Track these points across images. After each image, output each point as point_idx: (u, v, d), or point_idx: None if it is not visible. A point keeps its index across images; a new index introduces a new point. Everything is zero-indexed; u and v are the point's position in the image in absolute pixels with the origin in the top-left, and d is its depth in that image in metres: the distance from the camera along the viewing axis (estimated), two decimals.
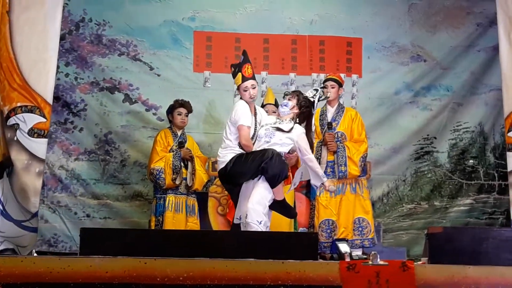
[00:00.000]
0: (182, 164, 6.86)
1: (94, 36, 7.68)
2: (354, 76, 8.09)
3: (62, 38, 6.99)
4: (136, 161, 7.64)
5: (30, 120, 6.31)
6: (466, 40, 8.16)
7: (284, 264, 4.49)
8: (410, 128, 8.07)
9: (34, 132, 6.32)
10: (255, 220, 5.28)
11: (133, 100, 7.71)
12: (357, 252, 6.16)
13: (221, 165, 5.60)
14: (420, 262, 5.10)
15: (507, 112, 6.67)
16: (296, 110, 5.61)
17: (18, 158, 6.29)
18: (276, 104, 6.97)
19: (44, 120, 6.35)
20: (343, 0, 8.14)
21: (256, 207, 5.31)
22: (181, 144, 6.92)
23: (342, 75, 7.44)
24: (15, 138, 6.29)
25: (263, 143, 5.50)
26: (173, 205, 6.82)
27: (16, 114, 6.27)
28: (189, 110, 7.06)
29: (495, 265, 4.66)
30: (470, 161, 8.10)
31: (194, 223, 6.91)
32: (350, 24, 8.13)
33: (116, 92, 7.70)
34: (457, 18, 8.20)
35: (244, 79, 5.62)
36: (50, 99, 6.39)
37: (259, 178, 5.41)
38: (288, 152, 5.55)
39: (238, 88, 5.71)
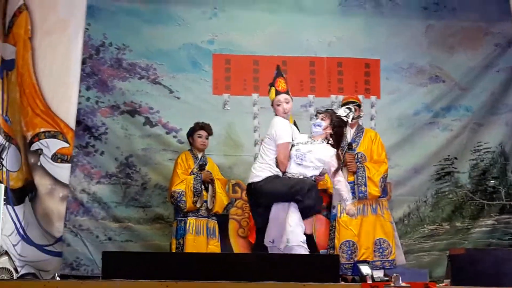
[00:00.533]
0: (203, 186, 6.89)
1: (114, 60, 7.76)
2: (373, 98, 8.09)
3: (83, 62, 7.05)
4: (157, 184, 7.66)
5: (54, 145, 6.37)
6: (484, 60, 8.14)
7: (305, 286, 4.49)
8: (430, 148, 8.03)
9: (57, 157, 6.38)
10: (299, 241, 5.31)
11: (154, 123, 7.76)
12: (379, 274, 6.11)
13: (254, 179, 5.56)
14: (443, 284, 5.08)
15: None
16: (329, 131, 5.59)
17: (42, 183, 6.34)
18: (295, 126, 6.98)
19: (67, 145, 6.42)
20: (360, 22, 8.15)
21: (296, 229, 5.32)
22: (201, 167, 6.95)
23: (360, 96, 7.46)
24: (39, 163, 6.35)
25: (294, 165, 5.50)
26: (194, 227, 6.83)
27: (40, 139, 6.34)
28: (210, 133, 7.10)
29: None
30: (491, 181, 8.04)
31: (215, 246, 6.92)
32: (367, 46, 8.14)
33: (136, 116, 7.75)
34: (475, 39, 8.20)
35: (277, 93, 5.65)
36: (72, 124, 6.46)
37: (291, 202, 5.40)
38: (319, 175, 5.54)
39: (272, 104, 5.70)
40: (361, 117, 6.80)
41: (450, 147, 8.05)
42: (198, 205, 6.83)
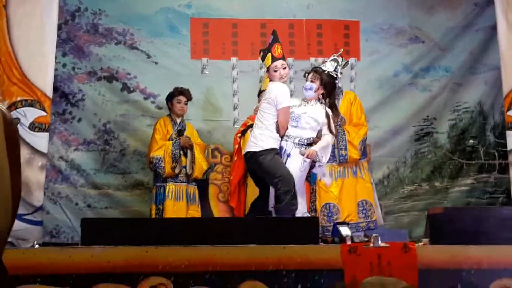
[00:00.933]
0: (181, 152, 6.85)
1: (90, 25, 7.63)
2: (353, 59, 8.02)
3: (58, 28, 6.92)
4: (136, 150, 7.61)
5: (31, 114, 6.31)
6: (464, 20, 8.09)
7: (285, 249, 4.50)
8: (409, 109, 8.01)
9: (35, 126, 6.32)
10: (303, 212, 5.32)
11: (131, 89, 7.68)
12: (361, 235, 6.14)
13: (253, 148, 5.53)
14: (422, 243, 5.11)
15: (506, 91, 6.66)
16: (321, 91, 5.53)
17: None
18: None
19: (44, 114, 6.35)
20: None
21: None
22: (180, 132, 6.91)
23: (339, 59, 7.40)
24: None
25: (291, 127, 5.48)
26: (173, 193, 6.81)
27: (17, 108, 6.27)
28: (189, 98, 7.04)
29: (496, 244, 4.66)
30: (470, 141, 8.05)
31: (195, 211, 6.91)
32: (346, 7, 8.07)
33: (114, 81, 7.65)
34: None
35: (274, 59, 5.56)
36: (49, 92, 6.40)
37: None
38: (317, 137, 5.49)
39: (268, 70, 5.62)
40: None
41: (429, 107, 8.03)
42: (176, 171, 6.80)
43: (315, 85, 5.54)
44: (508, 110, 6.61)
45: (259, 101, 7.01)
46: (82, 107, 7.56)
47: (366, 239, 4.95)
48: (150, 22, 7.75)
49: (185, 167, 6.87)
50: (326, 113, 5.54)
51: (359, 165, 6.65)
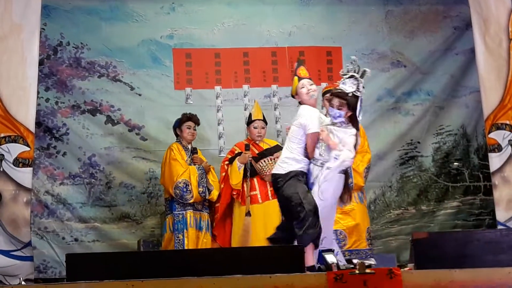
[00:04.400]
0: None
1: (72, 59, 7.64)
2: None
3: (40, 63, 6.99)
4: (122, 182, 7.59)
5: (14, 150, 6.33)
6: (444, 43, 8.19)
7: (271, 278, 4.49)
8: (393, 134, 8.07)
9: (19, 162, 6.34)
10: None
11: (115, 121, 7.67)
12: (371, 262, 5.97)
13: (279, 170, 5.50)
14: (407, 268, 5.12)
15: (486, 114, 6.74)
16: (349, 113, 5.47)
17: (6, 188, 6.30)
18: (265, 120, 6.99)
19: (28, 149, 6.38)
20: (320, 11, 8.15)
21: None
22: (194, 151, 6.89)
23: (324, 84, 7.44)
24: (1, 169, 6.30)
25: (317, 151, 5.44)
26: (193, 221, 6.72)
27: (0, 145, 6.28)
28: (197, 123, 7.01)
29: (481, 267, 4.68)
30: (455, 163, 8.10)
31: (208, 239, 6.83)
32: (328, 34, 8.15)
33: (97, 114, 7.65)
34: (434, 22, 8.24)
35: (300, 79, 5.60)
36: (32, 127, 6.42)
37: None
38: None
39: (296, 93, 5.61)
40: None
41: (413, 131, 8.09)
42: (207, 196, 6.73)
43: (344, 111, 5.46)
44: (489, 132, 6.67)
45: (247, 129, 7.06)
46: (67, 141, 7.54)
47: (352, 266, 4.94)
48: (132, 54, 7.78)
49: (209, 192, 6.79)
50: (356, 133, 5.48)
51: (363, 191, 6.69)
